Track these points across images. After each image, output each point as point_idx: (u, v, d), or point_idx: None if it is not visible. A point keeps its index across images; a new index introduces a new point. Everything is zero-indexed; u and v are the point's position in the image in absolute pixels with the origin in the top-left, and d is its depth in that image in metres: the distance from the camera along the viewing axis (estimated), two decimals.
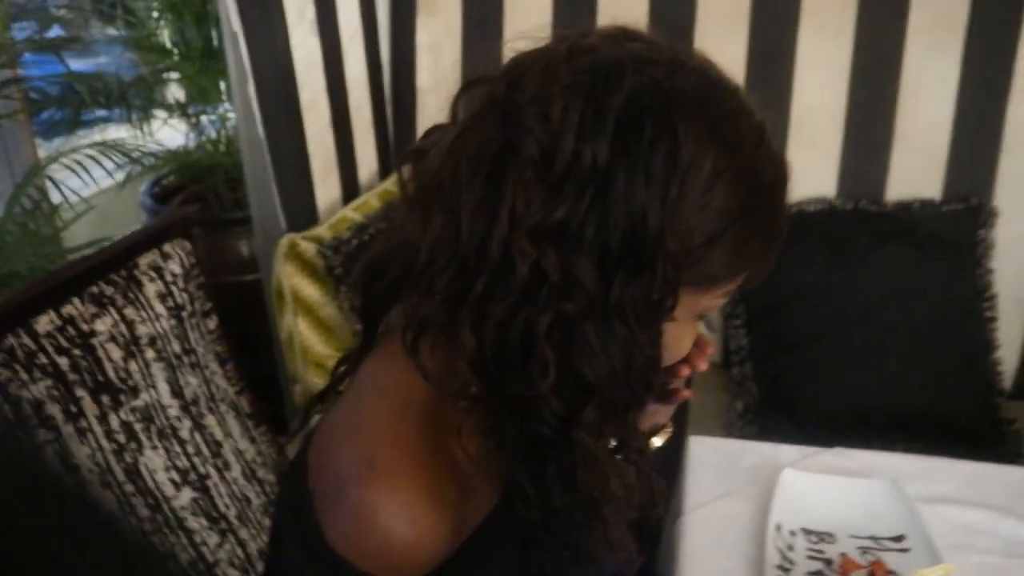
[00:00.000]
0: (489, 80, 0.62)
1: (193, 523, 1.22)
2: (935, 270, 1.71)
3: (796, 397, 1.73)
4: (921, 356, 1.68)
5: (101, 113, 2.03)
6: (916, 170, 1.74)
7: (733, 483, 1.22)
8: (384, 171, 1.89)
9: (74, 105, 1.87)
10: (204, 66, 1.99)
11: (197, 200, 2.07)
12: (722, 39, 1.72)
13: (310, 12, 1.59)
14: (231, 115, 2.06)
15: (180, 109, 2.09)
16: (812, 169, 1.77)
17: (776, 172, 0.64)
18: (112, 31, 2.23)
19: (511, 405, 0.61)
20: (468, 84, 0.64)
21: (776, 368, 1.76)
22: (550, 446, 0.62)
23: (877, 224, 1.74)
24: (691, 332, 0.69)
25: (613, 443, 0.69)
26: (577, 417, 0.61)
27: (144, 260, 1.23)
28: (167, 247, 1.27)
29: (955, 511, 1.15)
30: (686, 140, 0.57)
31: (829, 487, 1.16)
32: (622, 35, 0.63)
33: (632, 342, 0.60)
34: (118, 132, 2.08)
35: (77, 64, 2.07)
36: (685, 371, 0.75)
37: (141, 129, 2.04)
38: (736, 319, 1.81)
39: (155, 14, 2.04)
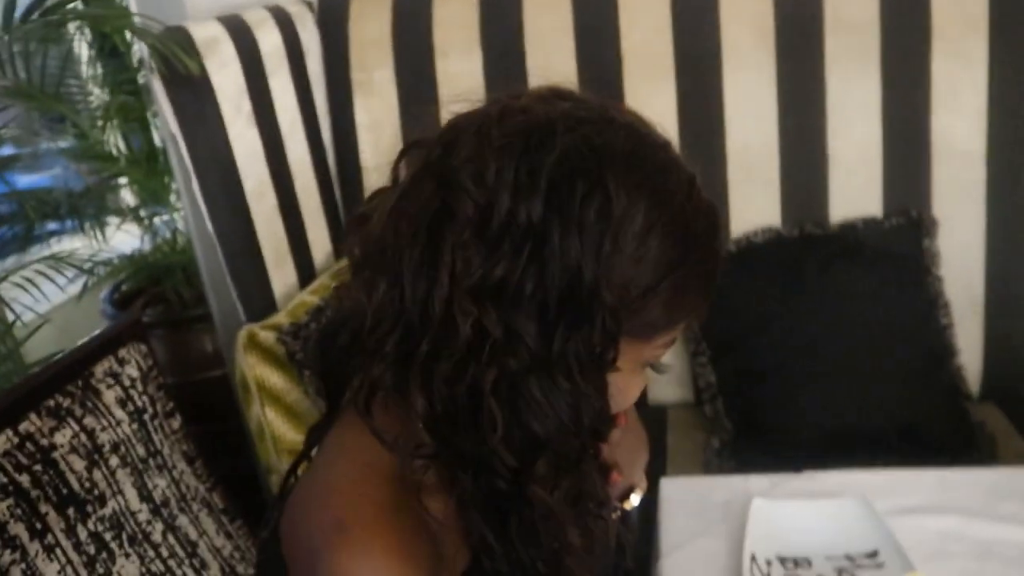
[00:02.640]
0: (425, 144, 0.65)
1: None
2: (886, 284, 1.74)
3: (770, 426, 1.73)
4: (884, 370, 1.70)
5: (53, 226, 2.05)
6: (855, 190, 1.78)
7: (707, 520, 1.22)
8: (338, 252, 1.91)
9: (25, 222, 1.89)
10: (151, 169, 2.02)
11: (158, 302, 2.08)
12: (651, 87, 1.78)
13: (246, 106, 1.63)
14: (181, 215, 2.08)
15: (132, 213, 2.11)
16: (755, 201, 1.81)
17: (707, 221, 0.66)
18: (61, 143, 2.26)
19: (465, 461, 0.63)
20: (406, 148, 0.67)
21: (746, 400, 1.77)
22: (508, 500, 0.63)
23: (825, 246, 1.78)
24: (637, 381, 0.71)
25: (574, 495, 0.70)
26: (530, 471, 0.62)
27: (100, 368, 1.24)
28: (122, 352, 1.28)
29: (926, 520, 1.16)
30: (617, 195, 0.60)
31: (800, 512, 1.16)
32: (553, 95, 0.66)
33: (578, 395, 0.62)
34: (72, 243, 2.10)
35: (25, 180, 2.10)
36: (621, 420, 0.76)
37: (95, 238, 2.05)
38: (701, 356, 1.82)
39: (99, 123, 2.07)
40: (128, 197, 2.24)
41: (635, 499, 0.90)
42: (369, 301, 0.63)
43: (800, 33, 1.71)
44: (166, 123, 1.55)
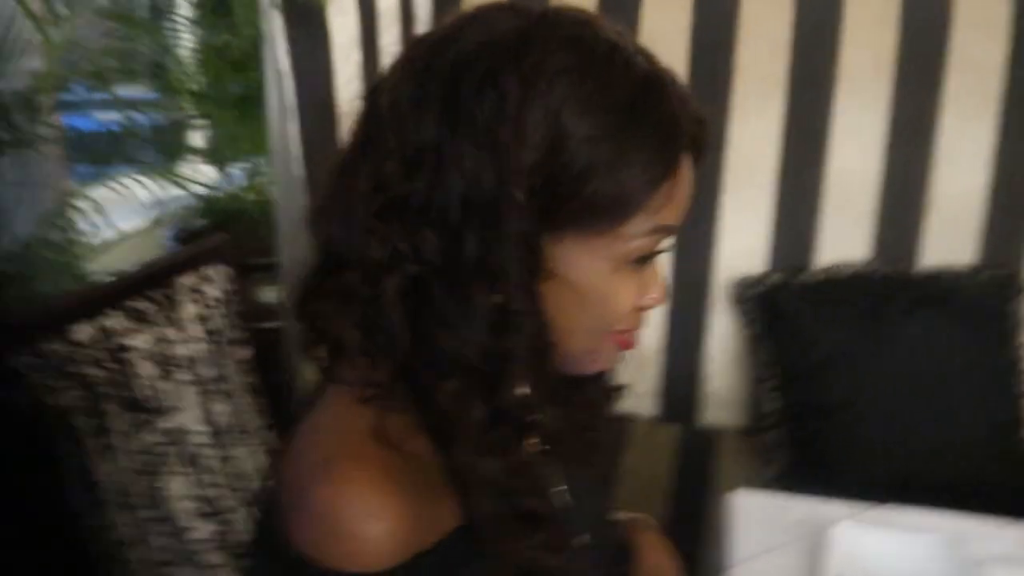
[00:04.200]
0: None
1: (214, 557, 1.16)
2: (966, 340, 1.68)
3: (828, 462, 1.68)
4: (953, 426, 1.64)
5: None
6: (950, 237, 1.73)
7: (780, 538, 1.18)
8: None
9: (109, 146, 1.88)
10: (243, 113, 2.00)
11: None
12: (759, 103, 1.74)
13: (356, 56, 1.61)
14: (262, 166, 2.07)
15: (211, 155, 2.10)
16: (846, 232, 1.77)
17: (641, 88, 0.60)
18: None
19: (414, 389, 0.61)
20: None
21: (809, 433, 1.72)
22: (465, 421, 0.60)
23: (911, 290, 1.73)
24: (633, 283, 0.63)
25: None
26: (441, 389, 0.59)
27: (185, 281, 1.21)
28: (208, 270, 1.25)
29: (1014, 571, 1.10)
30: (510, 87, 0.56)
31: (886, 542, 1.11)
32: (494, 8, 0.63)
33: (498, 307, 0.58)
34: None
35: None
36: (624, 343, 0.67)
37: (170, 175, 2.04)
38: (768, 382, 1.77)
39: (192, 61, 2.06)
40: (198, 140, 2.23)
41: None
42: (317, 247, 0.63)
43: (922, 67, 1.67)
44: (275, 60, 1.53)
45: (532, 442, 0.65)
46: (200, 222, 2.12)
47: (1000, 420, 1.70)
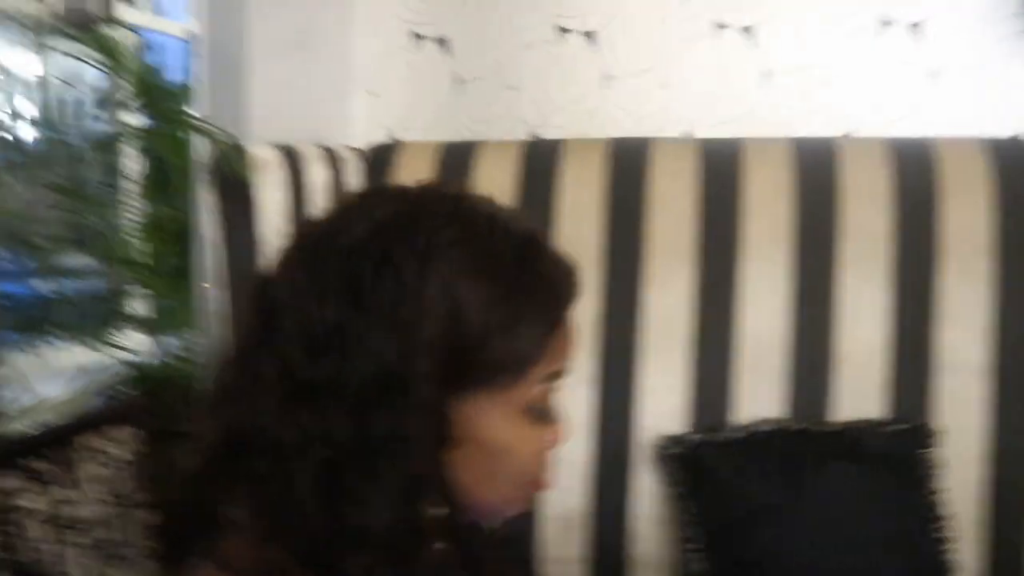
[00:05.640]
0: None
1: None
2: (881, 488, 1.71)
3: None
4: (879, 573, 1.63)
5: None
6: (858, 392, 1.79)
7: None
8: None
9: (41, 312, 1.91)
10: (176, 284, 2.06)
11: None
12: (671, 270, 1.83)
13: (284, 228, 1.70)
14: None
15: (148, 325, 2.13)
16: (761, 392, 1.82)
17: (521, 248, 0.65)
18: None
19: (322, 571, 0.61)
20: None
21: None
22: None
23: (825, 444, 1.76)
24: (537, 432, 0.67)
25: None
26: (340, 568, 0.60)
27: (88, 441, 1.21)
28: (114, 432, 1.26)
29: None
30: (406, 264, 0.60)
31: None
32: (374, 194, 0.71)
33: (409, 477, 0.60)
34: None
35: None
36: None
37: (102, 344, 2.06)
38: (691, 543, 1.76)
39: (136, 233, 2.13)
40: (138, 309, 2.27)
41: None
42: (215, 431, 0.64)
43: (815, 234, 1.79)
44: (206, 232, 1.61)
45: None
46: (131, 391, 2.12)
47: (925, 566, 1.70)
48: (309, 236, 0.66)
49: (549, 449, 0.69)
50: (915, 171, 1.79)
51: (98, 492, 1.18)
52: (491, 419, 0.63)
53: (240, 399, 0.62)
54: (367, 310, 0.60)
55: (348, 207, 0.66)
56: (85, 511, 1.15)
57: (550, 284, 0.66)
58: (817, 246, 1.79)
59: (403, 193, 0.67)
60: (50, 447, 1.15)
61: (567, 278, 0.67)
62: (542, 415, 0.67)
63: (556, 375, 0.66)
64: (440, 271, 0.61)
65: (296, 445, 0.59)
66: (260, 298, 0.65)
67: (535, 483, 0.69)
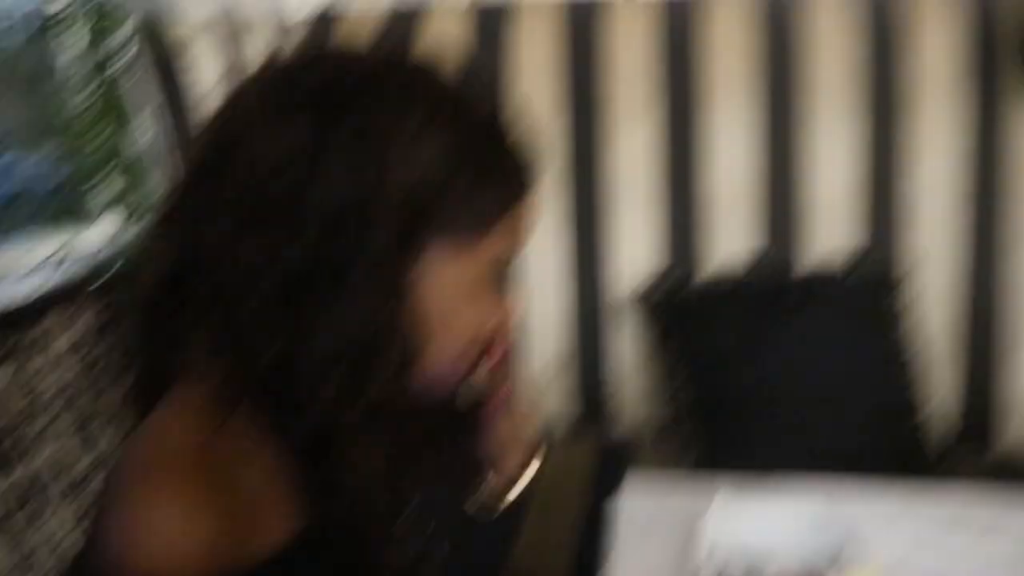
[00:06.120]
0: None
1: None
2: (856, 324, 1.76)
3: (739, 450, 1.71)
4: (849, 412, 1.70)
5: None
6: (832, 228, 1.79)
7: (662, 522, 1.18)
8: None
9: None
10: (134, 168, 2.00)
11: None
12: (632, 125, 1.80)
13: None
14: None
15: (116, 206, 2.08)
16: (732, 237, 1.82)
17: (495, 111, 0.67)
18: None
19: (270, 404, 0.61)
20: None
21: (718, 423, 1.75)
22: (314, 444, 0.61)
23: (798, 285, 1.79)
24: (481, 305, 0.67)
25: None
26: (314, 396, 0.60)
27: (58, 314, 1.20)
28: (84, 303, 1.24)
29: (899, 527, 1.13)
30: (378, 105, 0.60)
31: (762, 510, 1.12)
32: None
33: (365, 305, 0.60)
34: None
35: None
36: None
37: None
38: (676, 380, 1.80)
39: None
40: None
41: (514, 491, 0.81)
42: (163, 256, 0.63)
43: (780, 77, 1.76)
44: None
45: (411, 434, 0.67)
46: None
47: (893, 404, 1.75)
48: (278, 63, 0.64)
49: (500, 323, 0.69)
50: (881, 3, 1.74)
51: (71, 361, 1.18)
52: (444, 276, 0.63)
53: (193, 219, 0.61)
54: (336, 138, 0.59)
55: (318, 47, 0.67)
56: (58, 379, 1.15)
57: (518, 156, 0.67)
58: (783, 88, 1.76)
59: (376, 51, 0.66)
60: (23, 322, 1.14)
61: (532, 158, 0.68)
62: (494, 287, 0.67)
63: (511, 250, 0.67)
64: (412, 117, 0.61)
65: (256, 266, 0.59)
66: (222, 117, 0.64)
67: (486, 354, 0.70)
